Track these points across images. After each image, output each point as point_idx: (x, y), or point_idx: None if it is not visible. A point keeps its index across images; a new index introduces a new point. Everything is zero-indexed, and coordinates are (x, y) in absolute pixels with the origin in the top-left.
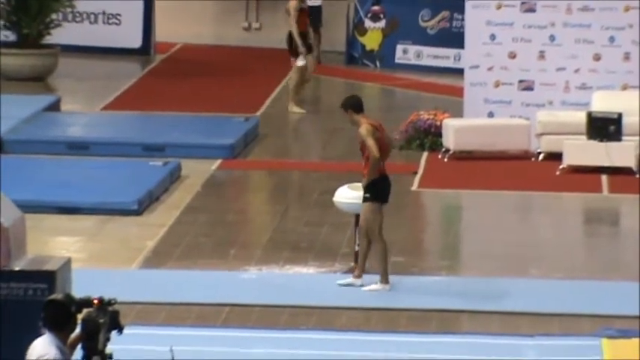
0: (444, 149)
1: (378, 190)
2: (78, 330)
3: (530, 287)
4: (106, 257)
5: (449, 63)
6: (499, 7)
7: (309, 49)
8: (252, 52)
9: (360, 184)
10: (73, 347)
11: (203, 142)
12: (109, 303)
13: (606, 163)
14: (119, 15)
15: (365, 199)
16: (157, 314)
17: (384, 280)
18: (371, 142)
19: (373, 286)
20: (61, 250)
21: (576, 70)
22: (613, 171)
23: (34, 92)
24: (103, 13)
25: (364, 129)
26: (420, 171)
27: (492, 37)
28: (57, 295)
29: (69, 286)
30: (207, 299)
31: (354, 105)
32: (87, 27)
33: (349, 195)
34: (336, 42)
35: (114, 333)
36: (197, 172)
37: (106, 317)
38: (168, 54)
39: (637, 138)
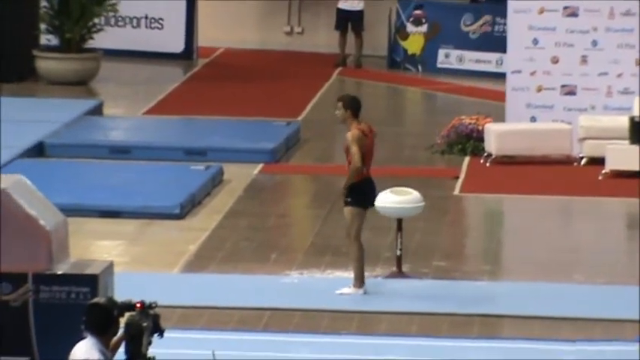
0: (485, 154)
1: (359, 195)
2: (120, 333)
3: (572, 292)
4: (148, 261)
5: (491, 67)
6: (541, 11)
7: None
8: (294, 56)
9: (403, 189)
10: (114, 350)
11: (245, 146)
12: (151, 306)
13: None
14: (162, 19)
15: (346, 203)
16: (199, 318)
17: (358, 284)
18: (355, 150)
19: (346, 290)
20: (103, 253)
21: (619, 75)
22: None
23: (76, 96)
24: (146, 17)
25: (352, 135)
26: (462, 176)
27: (535, 41)
28: (99, 299)
29: (111, 290)
30: (249, 303)
31: (354, 108)
32: (129, 31)
33: (391, 199)
34: (378, 46)
35: (155, 336)
36: (239, 176)
37: (148, 321)
38: (210, 58)
39: None
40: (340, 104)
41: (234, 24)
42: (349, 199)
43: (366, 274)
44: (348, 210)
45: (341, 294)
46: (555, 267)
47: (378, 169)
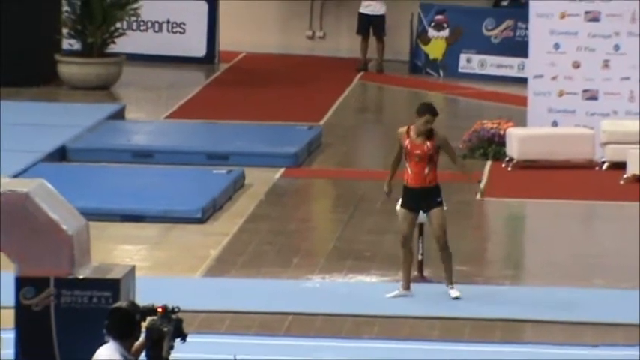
0: (507, 158)
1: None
2: (142, 337)
3: (594, 297)
4: (170, 265)
5: (512, 72)
6: (563, 16)
7: None
8: (316, 61)
9: None
10: (137, 355)
11: (267, 150)
12: (173, 311)
13: None
14: (183, 24)
15: (440, 204)
16: (221, 322)
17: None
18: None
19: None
20: (125, 258)
21: None
22: None
23: (98, 101)
24: (168, 21)
25: (445, 135)
26: (484, 180)
27: (556, 46)
28: (121, 303)
29: (133, 294)
30: (271, 308)
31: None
32: (151, 36)
33: None
34: (400, 51)
35: (177, 341)
36: (261, 180)
37: (170, 325)
38: (232, 63)
39: None
40: (433, 117)
41: (255, 28)
42: (440, 199)
43: (387, 278)
44: (442, 210)
45: (392, 297)
46: (577, 271)
47: (400, 174)
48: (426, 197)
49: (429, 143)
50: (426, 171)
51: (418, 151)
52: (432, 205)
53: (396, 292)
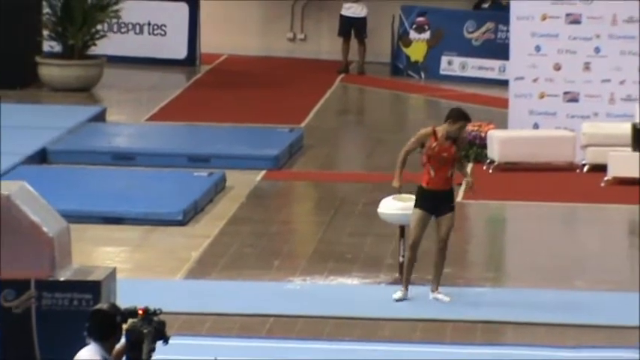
0: (488, 160)
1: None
2: (123, 341)
3: (575, 299)
4: (151, 268)
5: (494, 74)
6: (544, 18)
7: None
8: (297, 63)
9: (406, 195)
10: (118, 358)
11: (248, 153)
12: (155, 313)
13: None
14: (164, 26)
15: (453, 208)
16: (202, 325)
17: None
18: None
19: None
20: (106, 260)
21: (621, 82)
22: None
23: (79, 103)
24: (149, 23)
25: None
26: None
27: (537, 48)
28: (102, 305)
29: (114, 297)
30: (252, 310)
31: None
32: (132, 38)
33: (394, 206)
34: (381, 53)
35: (159, 343)
36: (242, 182)
37: (151, 327)
38: (213, 65)
39: None
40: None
41: (236, 30)
42: (453, 204)
43: (369, 280)
44: (453, 214)
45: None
46: (558, 274)
47: (382, 176)
48: (443, 200)
49: (454, 147)
50: (449, 174)
51: (445, 154)
52: (446, 209)
53: (399, 294)
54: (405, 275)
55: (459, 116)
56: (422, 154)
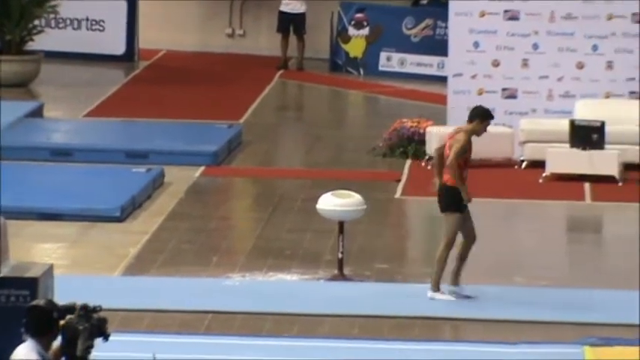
0: (427, 157)
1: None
2: (60, 339)
3: (514, 295)
4: (89, 264)
5: (432, 71)
6: (482, 14)
7: None
8: (236, 59)
9: (345, 192)
10: (57, 356)
11: (186, 148)
12: (94, 310)
13: (589, 171)
14: (103, 21)
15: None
16: (140, 321)
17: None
18: None
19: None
20: (43, 256)
21: (559, 79)
22: (596, 179)
23: (16, 98)
24: (87, 19)
25: None
26: (404, 179)
27: (476, 44)
28: (39, 301)
29: (51, 293)
30: (190, 306)
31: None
32: (70, 33)
33: (333, 202)
34: (320, 49)
35: (99, 340)
36: (180, 178)
37: (87, 324)
38: (151, 61)
39: (619, 146)
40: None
41: (175, 26)
42: None
43: (307, 277)
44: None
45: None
46: (496, 269)
47: (320, 172)
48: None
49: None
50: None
51: (469, 154)
52: (466, 207)
53: (449, 293)
54: (440, 274)
55: (487, 115)
56: (450, 156)
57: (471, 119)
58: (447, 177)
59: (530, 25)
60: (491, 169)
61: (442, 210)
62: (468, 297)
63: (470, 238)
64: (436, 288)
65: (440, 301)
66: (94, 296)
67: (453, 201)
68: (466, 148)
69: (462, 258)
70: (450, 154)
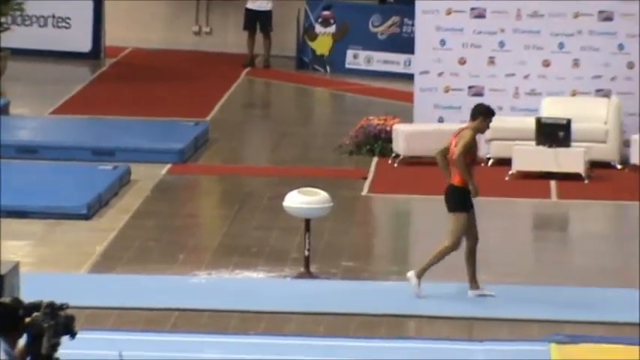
0: (394, 154)
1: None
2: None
3: (480, 292)
4: (55, 261)
5: (399, 68)
6: (449, 12)
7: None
8: (203, 56)
9: (311, 189)
10: (23, 354)
11: (153, 146)
12: (61, 308)
13: (555, 169)
14: (69, 19)
15: None
16: (106, 319)
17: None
18: None
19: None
20: (9, 254)
21: (526, 76)
22: (562, 177)
23: None
24: (53, 16)
25: None
26: (370, 176)
27: (442, 42)
28: (4, 299)
29: (17, 291)
30: (157, 304)
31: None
32: (36, 30)
33: (299, 200)
34: (287, 47)
35: (66, 338)
36: (147, 176)
37: (53, 321)
38: (118, 58)
39: (585, 144)
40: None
41: (141, 24)
42: None
43: (274, 274)
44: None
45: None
46: (462, 267)
47: (286, 170)
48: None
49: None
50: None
51: (476, 152)
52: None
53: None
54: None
55: (489, 112)
56: (456, 155)
57: (474, 117)
58: (455, 177)
59: (496, 23)
60: None
61: (450, 210)
62: (491, 295)
63: (473, 239)
64: (419, 278)
65: (406, 299)
66: (60, 294)
67: (460, 201)
68: (471, 145)
69: (471, 261)
70: (456, 151)
